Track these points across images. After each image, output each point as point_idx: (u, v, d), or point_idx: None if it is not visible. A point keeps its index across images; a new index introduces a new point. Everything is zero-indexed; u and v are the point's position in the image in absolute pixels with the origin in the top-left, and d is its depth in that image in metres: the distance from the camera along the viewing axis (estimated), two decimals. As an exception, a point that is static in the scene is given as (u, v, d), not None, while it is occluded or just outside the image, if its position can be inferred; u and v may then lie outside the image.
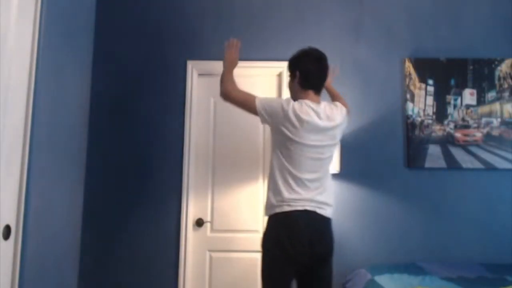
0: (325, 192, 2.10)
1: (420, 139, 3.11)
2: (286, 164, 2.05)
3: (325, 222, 2.09)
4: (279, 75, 3.22)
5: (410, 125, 3.12)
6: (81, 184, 2.43)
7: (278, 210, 2.02)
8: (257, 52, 3.21)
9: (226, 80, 2.27)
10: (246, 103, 2.18)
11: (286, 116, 2.05)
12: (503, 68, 3.17)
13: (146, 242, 3.03)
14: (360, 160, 3.09)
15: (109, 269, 3.01)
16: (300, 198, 2.02)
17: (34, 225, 1.80)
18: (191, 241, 3.04)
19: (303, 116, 2.03)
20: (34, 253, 1.80)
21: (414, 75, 3.17)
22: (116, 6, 3.26)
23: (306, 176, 2.05)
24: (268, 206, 2.08)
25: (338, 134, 2.19)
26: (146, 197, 3.07)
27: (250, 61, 3.17)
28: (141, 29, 3.25)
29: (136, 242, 3.03)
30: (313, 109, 2.07)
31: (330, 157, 2.17)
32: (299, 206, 2.01)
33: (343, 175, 3.05)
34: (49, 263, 1.99)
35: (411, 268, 2.66)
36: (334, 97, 2.55)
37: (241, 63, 3.15)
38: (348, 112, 2.33)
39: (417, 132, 3.12)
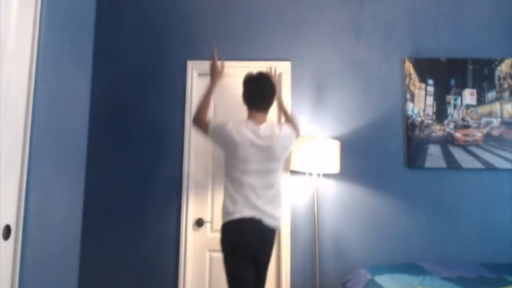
0: (272, 204, 2.29)
1: (420, 139, 3.11)
2: (233, 177, 2.28)
3: (270, 232, 2.29)
4: (279, 75, 3.22)
5: (410, 125, 3.12)
6: (81, 184, 2.43)
7: (229, 218, 2.23)
8: (257, 52, 3.21)
9: (202, 106, 2.49)
10: (204, 132, 2.44)
11: (225, 137, 2.31)
12: (503, 68, 3.17)
13: (146, 242, 3.03)
14: (360, 160, 3.09)
15: (109, 269, 3.01)
16: (246, 208, 2.23)
17: (34, 225, 1.80)
18: (191, 241, 3.04)
19: (237, 137, 2.28)
20: (34, 253, 1.80)
21: (414, 75, 3.17)
22: (116, 6, 3.26)
23: (250, 187, 2.26)
24: (223, 213, 2.29)
25: (280, 153, 2.34)
26: (146, 197, 3.07)
27: (250, 61, 3.17)
28: (141, 29, 3.25)
29: (136, 242, 3.03)
30: (251, 129, 2.32)
31: (275, 171, 2.34)
32: (246, 214, 2.22)
33: (343, 175, 3.05)
34: (49, 263, 1.99)
35: (411, 268, 2.66)
36: (285, 118, 2.71)
37: (241, 63, 3.17)
38: (297, 134, 2.50)
39: (417, 132, 3.12)
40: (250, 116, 2.43)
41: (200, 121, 2.44)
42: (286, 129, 2.41)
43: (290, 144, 2.42)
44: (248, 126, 2.34)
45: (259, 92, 2.42)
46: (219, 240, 2.28)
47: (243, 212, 2.20)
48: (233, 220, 2.21)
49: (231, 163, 2.31)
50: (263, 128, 2.35)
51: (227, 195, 2.28)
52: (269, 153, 2.30)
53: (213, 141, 2.44)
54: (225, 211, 2.26)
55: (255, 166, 2.27)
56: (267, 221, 2.25)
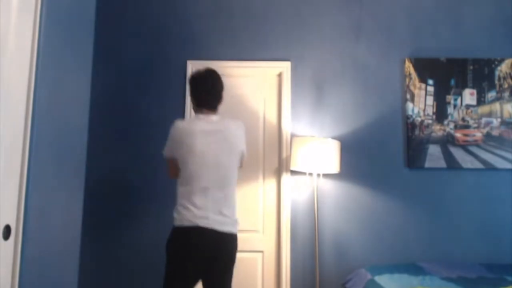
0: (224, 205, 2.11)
1: (420, 139, 3.11)
2: (182, 178, 2.13)
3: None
4: (279, 75, 3.22)
5: (410, 125, 3.12)
6: (81, 184, 2.43)
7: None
8: (257, 52, 3.21)
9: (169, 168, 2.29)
10: (173, 166, 2.24)
11: (174, 140, 2.16)
12: (503, 68, 3.17)
13: (146, 242, 3.03)
14: (360, 160, 3.09)
15: (109, 269, 3.01)
16: (194, 211, 2.06)
17: (34, 225, 1.80)
18: (191, 241, 3.04)
19: (184, 125, 2.15)
20: (34, 253, 1.80)
21: (414, 75, 3.17)
22: (116, 6, 3.26)
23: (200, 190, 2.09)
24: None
25: (233, 141, 2.16)
26: (146, 197, 3.07)
27: (250, 61, 3.18)
28: (141, 29, 3.25)
29: (136, 242, 3.03)
30: (200, 119, 2.17)
31: (229, 168, 2.14)
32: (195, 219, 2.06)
33: (343, 175, 3.05)
34: (49, 263, 1.99)
35: (411, 268, 2.66)
36: None
37: (241, 63, 3.17)
38: (241, 164, 2.28)
39: (417, 132, 3.12)
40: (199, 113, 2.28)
41: (175, 172, 2.24)
42: (240, 125, 2.26)
43: (242, 135, 2.24)
44: (197, 118, 2.19)
45: (206, 89, 2.22)
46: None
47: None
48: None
49: (183, 163, 2.14)
50: (214, 117, 2.21)
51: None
52: (220, 137, 2.14)
53: (172, 153, 2.20)
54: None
55: (206, 161, 2.10)
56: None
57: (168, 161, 2.26)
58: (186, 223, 2.03)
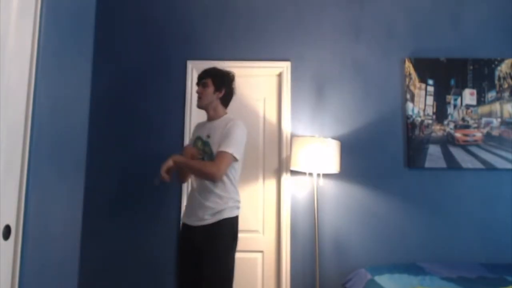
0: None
1: (420, 139, 3.11)
2: (234, 179, 2.38)
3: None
4: (279, 75, 3.22)
5: (410, 125, 3.12)
6: (81, 184, 2.42)
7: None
8: (257, 52, 3.21)
9: (199, 165, 2.30)
10: (229, 164, 2.27)
11: (244, 142, 2.34)
12: (503, 68, 3.17)
13: (146, 242, 3.03)
14: (360, 160, 3.09)
15: (109, 269, 3.01)
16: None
17: (34, 225, 1.80)
18: (191, 241, 3.04)
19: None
20: (34, 253, 1.80)
21: (414, 75, 3.17)
22: (116, 6, 3.26)
23: None
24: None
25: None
26: (146, 197, 3.07)
27: (250, 61, 3.17)
28: (141, 29, 3.25)
29: (136, 242, 3.03)
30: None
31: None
32: None
33: (343, 175, 3.05)
34: (49, 263, 1.99)
35: (411, 268, 2.66)
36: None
37: (241, 63, 3.17)
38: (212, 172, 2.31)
39: (417, 132, 3.12)
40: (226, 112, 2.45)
41: (217, 166, 2.22)
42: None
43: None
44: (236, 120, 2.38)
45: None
46: (223, 234, 2.27)
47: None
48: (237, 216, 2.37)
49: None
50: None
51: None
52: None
53: (241, 155, 2.33)
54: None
55: None
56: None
57: (229, 160, 2.24)
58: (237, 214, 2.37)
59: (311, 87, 3.18)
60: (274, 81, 3.24)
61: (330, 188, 3.06)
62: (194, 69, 3.18)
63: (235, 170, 2.33)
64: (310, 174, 3.01)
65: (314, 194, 2.95)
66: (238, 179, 2.38)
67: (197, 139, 2.41)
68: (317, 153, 2.79)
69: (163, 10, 3.26)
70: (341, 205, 3.05)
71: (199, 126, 2.50)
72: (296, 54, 3.21)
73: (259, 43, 3.22)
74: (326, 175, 3.04)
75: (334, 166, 2.86)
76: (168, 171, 2.27)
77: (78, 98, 2.38)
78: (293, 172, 3.07)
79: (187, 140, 3.11)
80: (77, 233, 2.30)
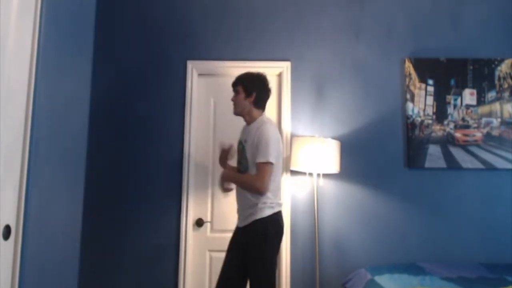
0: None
1: (420, 139, 3.11)
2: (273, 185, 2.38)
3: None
4: (279, 75, 3.22)
5: (410, 125, 3.12)
6: (81, 184, 2.42)
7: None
8: (257, 52, 3.21)
9: (246, 180, 2.38)
10: (270, 172, 2.32)
11: (279, 146, 2.40)
12: (503, 68, 3.17)
13: (146, 242, 3.03)
14: (360, 160, 3.09)
15: (109, 269, 3.01)
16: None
17: (34, 225, 1.80)
18: (191, 241, 3.04)
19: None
20: (34, 253, 1.80)
21: (414, 75, 3.17)
22: (116, 6, 3.26)
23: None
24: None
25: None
26: (146, 197, 3.07)
27: (250, 61, 3.17)
28: (141, 29, 3.25)
29: (136, 242, 3.03)
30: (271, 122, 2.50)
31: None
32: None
33: (343, 175, 3.05)
34: (49, 263, 1.99)
35: (411, 268, 2.66)
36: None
37: (241, 63, 3.17)
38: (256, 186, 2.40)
39: (417, 132, 3.12)
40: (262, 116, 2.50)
41: (262, 180, 2.27)
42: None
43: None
44: (270, 121, 2.50)
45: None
46: (265, 232, 2.29)
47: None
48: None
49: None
50: None
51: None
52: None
53: (277, 160, 2.36)
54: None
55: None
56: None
57: (270, 169, 2.28)
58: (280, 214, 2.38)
59: (311, 87, 3.18)
60: (274, 81, 3.24)
61: (330, 188, 3.06)
62: (194, 69, 3.19)
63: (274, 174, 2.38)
64: (310, 174, 3.01)
65: (314, 194, 2.95)
66: (277, 178, 2.39)
67: (239, 143, 2.50)
68: (317, 153, 2.79)
69: (163, 10, 3.26)
70: (341, 205, 3.05)
71: (242, 130, 2.55)
72: (296, 54, 3.21)
73: (259, 43, 3.22)
74: (326, 175, 3.04)
75: (334, 166, 2.86)
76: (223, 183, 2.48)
77: (78, 98, 2.39)
78: (293, 172, 3.07)
79: (187, 141, 3.11)
80: (77, 233, 2.30)
